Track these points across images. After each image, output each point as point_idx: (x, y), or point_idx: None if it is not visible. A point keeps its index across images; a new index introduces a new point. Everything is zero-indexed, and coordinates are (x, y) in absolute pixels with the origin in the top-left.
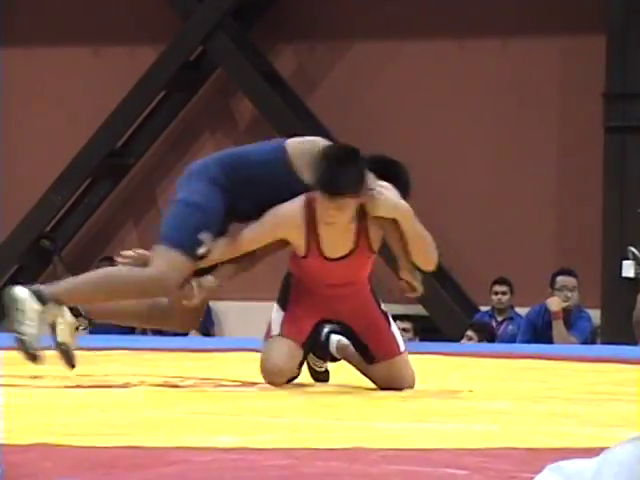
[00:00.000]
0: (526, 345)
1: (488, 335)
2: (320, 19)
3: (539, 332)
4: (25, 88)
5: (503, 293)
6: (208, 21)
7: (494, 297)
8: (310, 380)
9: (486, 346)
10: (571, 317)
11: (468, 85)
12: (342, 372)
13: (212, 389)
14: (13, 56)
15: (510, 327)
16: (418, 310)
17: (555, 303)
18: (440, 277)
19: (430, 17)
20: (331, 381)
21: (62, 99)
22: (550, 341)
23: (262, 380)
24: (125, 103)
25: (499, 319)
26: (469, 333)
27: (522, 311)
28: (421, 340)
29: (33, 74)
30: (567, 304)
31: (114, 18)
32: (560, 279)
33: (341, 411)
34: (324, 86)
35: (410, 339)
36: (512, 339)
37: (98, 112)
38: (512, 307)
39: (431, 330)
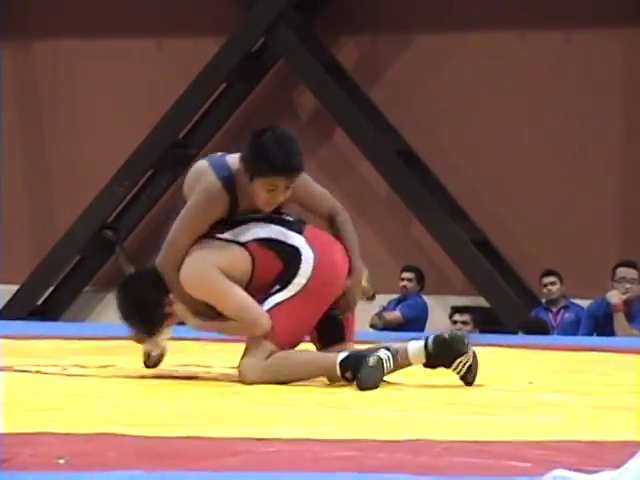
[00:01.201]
0: (587, 338)
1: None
2: (383, 11)
3: (600, 325)
4: (90, 80)
5: (552, 284)
6: (270, 12)
7: (544, 289)
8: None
9: (547, 338)
10: (632, 309)
11: (531, 77)
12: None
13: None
14: (79, 48)
15: (567, 315)
16: (479, 302)
17: (615, 296)
18: (502, 269)
19: (493, 8)
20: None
21: (126, 91)
22: (612, 334)
23: None
24: (187, 94)
25: (554, 310)
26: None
27: (586, 303)
28: (481, 332)
29: (98, 66)
30: (627, 296)
31: (177, 10)
32: (620, 270)
33: (403, 403)
34: (386, 78)
35: (470, 331)
36: (569, 327)
37: (161, 103)
38: (564, 296)
39: (492, 322)
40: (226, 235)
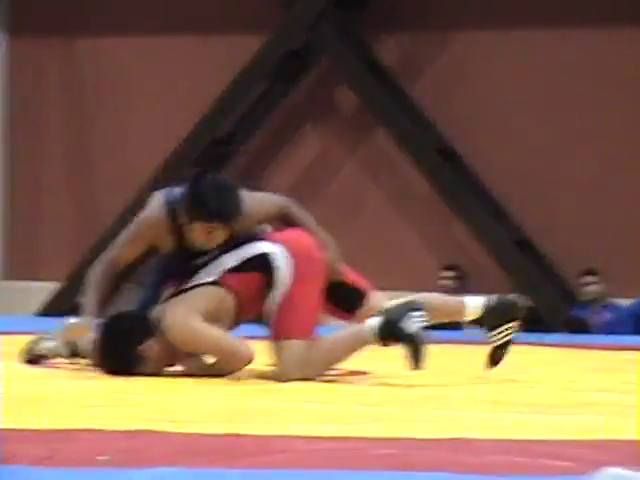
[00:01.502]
0: (629, 337)
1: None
2: (424, 8)
3: None
4: (133, 78)
5: (591, 284)
6: (312, 10)
7: (583, 289)
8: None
9: (588, 337)
10: None
11: (572, 74)
12: (439, 363)
13: (318, 379)
14: (123, 46)
15: (606, 314)
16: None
17: None
18: (542, 267)
19: (536, 5)
20: (428, 372)
21: (168, 87)
22: None
23: (374, 370)
24: (229, 92)
25: (594, 309)
26: None
27: (627, 302)
28: (524, 331)
29: (141, 64)
30: None
31: (220, 8)
32: None
33: (444, 401)
34: (427, 76)
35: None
36: (609, 327)
37: (203, 100)
38: (604, 296)
39: (533, 321)
40: (197, 280)
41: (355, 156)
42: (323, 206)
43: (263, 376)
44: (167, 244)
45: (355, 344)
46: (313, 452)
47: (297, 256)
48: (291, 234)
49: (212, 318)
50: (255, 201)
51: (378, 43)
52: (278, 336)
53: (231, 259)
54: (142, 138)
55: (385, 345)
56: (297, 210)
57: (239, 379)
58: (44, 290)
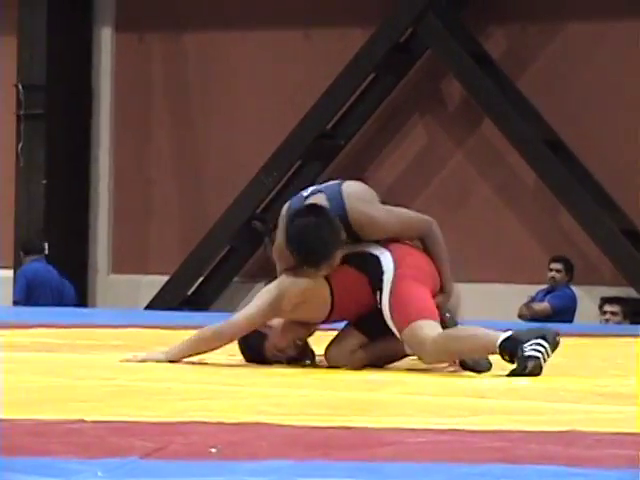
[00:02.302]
0: None
1: None
2: (531, 0)
3: None
4: (239, 72)
5: None
6: (418, 3)
7: None
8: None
9: None
10: None
11: None
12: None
13: (423, 371)
14: (228, 40)
15: None
16: (629, 292)
17: None
18: None
19: None
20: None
21: (274, 82)
22: None
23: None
24: (335, 85)
25: None
26: None
27: None
28: (632, 323)
29: (247, 58)
30: None
31: (324, 0)
32: None
33: (553, 394)
34: (535, 68)
35: (619, 322)
36: None
37: (309, 94)
38: None
39: None
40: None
41: (462, 148)
42: (430, 198)
43: (366, 369)
44: None
45: (482, 345)
46: (421, 444)
47: (402, 261)
48: (402, 248)
49: (301, 300)
50: (399, 224)
51: (485, 35)
52: (404, 322)
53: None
54: (249, 133)
55: (501, 355)
56: (434, 243)
57: (347, 370)
58: (153, 283)
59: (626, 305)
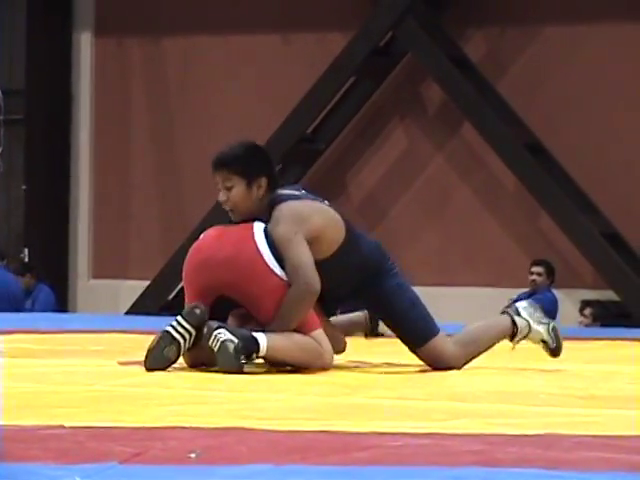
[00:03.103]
0: None
1: None
2: (510, 4)
3: None
4: (218, 76)
5: None
6: (398, 6)
7: None
8: (498, 365)
9: None
10: None
11: None
12: (526, 359)
13: (404, 374)
14: (208, 44)
15: None
16: (609, 295)
17: None
18: (632, 262)
19: (618, 0)
20: (515, 366)
21: (254, 86)
22: None
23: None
24: (315, 89)
25: None
26: None
27: None
28: (606, 326)
29: (225, 62)
30: None
31: (304, 4)
32: None
33: (532, 397)
34: (514, 71)
35: (588, 325)
36: None
37: (288, 99)
38: None
39: (623, 316)
40: None
41: (442, 152)
42: (410, 202)
43: (349, 372)
44: None
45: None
46: (400, 448)
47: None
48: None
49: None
50: (287, 257)
51: (464, 38)
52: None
53: None
54: (229, 137)
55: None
56: (290, 295)
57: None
58: (133, 288)
59: (606, 308)
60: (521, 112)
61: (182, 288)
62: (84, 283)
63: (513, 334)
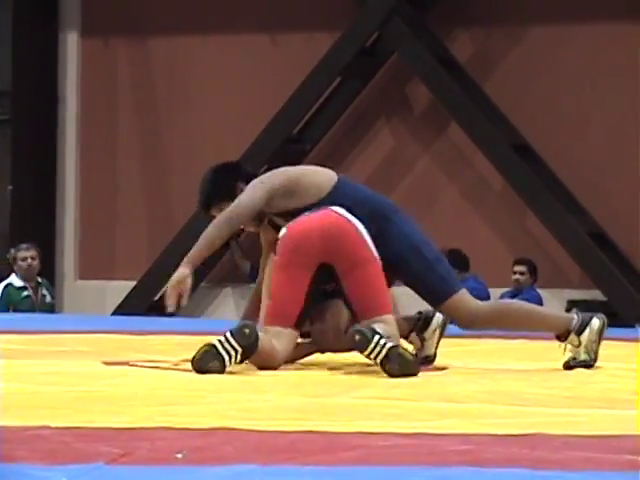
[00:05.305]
0: None
1: None
2: (496, 3)
3: None
4: (205, 76)
5: None
6: (384, 7)
7: None
8: (486, 366)
9: None
10: None
11: None
12: (512, 359)
13: (390, 374)
14: (194, 44)
15: None
16: (595, 295)
17: None
18: (618, 261)
19: (604, 0)
20: (502, 366)
21: (240, 86)
22: None
23: (453, 364)
24: (301, 89)
25: None
26: None
27: None
28: None
29: (212, 61)
30: None
31: (290, 5)
32: None
33: (519, 397)
34: (501, 71)
35: None
36: None
37: (275, 99)
38: None
39: (609, 315)
40: None
41: (429, 152)
42: (397, 202)
43: (334, 373)
44: None
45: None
46: (387, 448)
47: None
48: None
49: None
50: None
51: (451, 39)
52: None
53: None
54: (215, 138)
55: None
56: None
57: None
58: (120, 289)
59: (585, 308)
60: (508, 112)
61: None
62: (70, 283)
63: (566, 333)
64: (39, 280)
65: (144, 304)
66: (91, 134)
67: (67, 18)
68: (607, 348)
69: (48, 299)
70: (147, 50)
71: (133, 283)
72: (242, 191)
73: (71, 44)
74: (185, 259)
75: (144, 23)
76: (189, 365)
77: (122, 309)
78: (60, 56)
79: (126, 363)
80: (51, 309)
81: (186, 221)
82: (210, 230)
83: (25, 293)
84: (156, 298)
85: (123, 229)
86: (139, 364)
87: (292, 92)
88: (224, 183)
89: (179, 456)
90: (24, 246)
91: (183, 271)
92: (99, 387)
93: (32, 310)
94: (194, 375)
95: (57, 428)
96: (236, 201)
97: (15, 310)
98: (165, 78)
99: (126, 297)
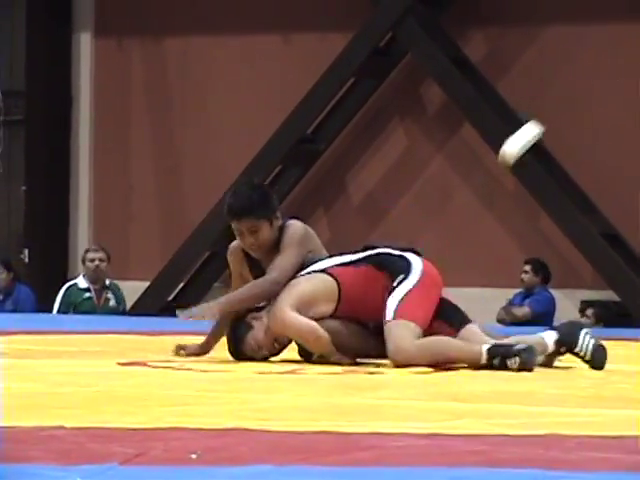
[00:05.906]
0: None
1: None
2: (510, 4)
3: None
4: (219, 76)
5: None
6: (398, 7)
7: None
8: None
9: None
10: None
11: None
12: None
13: (405, 375)
14: (208, 45)
15: None
16: (609, 295)
17: None
18: (631, 262)
19: (619, 0)
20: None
21: (253, 86)
22: None
23: (462, 364)
24: (315, 90)
25: None
26: None
27: None
28: (608, 326)
29: (227, 63)
30: None
31: (304, 5)
32: None
33: (533, 398)
34: (514, 71)
35: (591, 325)
36: None
37: (288, 99)
38: None
39: (623, 316)
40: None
41: (442, 152)
42: (410, 202)
43: (348, 374)
44: None
45: (464, 353)
46: (401, 449)
47: (428, 275)
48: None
49: (308, 301)
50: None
51: (464, 38)
52: (399, 316)
53: (340, 259)
54: (229, 137)
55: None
56: (258, 282)
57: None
58: (134, 289)
59: (606, 309)
60: (520, 112)
61: (182, 288)
62: None
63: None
64: (107, 283)
65: (158, 304)
66: (105, 134)
67: (81, 19)
68: (621, 348)
69: (112, 303)
70: (160, 50)
71: (147, 283)
72: (277, 219)
73: (85, 45)
74: (224, 298)
75: (157, 24)
76: (203, 366)
77: (136, 309)
78: (74, 57)
79: (141, 363)
80: (114, 313)
81: (200, 221)
82: (258, 288)
83: (87, 295)
84: (169, 298)
85: (137, 229)
86: (153, 364)
87: (306, 92)
88: (272, 204)
89: (193, 456)
90: (93, 247)
91: (215, 309)
92: (113, 387)
93: (92, 312)
94: (208, 375)
95: (71, 428)
96: (283, 264)
97: (75, 311)
98: (178, 78)
99: (140, 297)
